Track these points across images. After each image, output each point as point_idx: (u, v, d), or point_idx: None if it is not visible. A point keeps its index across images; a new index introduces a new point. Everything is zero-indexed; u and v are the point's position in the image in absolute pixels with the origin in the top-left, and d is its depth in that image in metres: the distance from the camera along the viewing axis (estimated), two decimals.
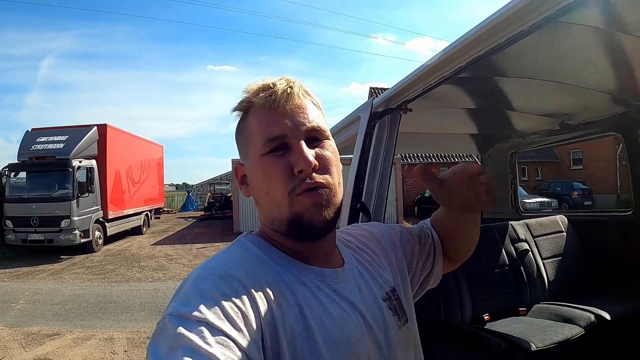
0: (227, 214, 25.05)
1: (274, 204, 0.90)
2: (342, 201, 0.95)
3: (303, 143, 0.89)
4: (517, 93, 2.88)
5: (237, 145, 1.00)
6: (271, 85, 0.92)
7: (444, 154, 26.31)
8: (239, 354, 0.70)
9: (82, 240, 14.45)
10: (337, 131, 2.73)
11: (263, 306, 0.80)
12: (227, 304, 0.75)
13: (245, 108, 0.96)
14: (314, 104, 0.97)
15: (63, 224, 13.96)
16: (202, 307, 0.73)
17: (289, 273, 0.89)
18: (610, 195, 24.35)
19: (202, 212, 29.49)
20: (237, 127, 0.99)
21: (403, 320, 1.02)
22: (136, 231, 19.87)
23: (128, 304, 8.61)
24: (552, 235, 3.66)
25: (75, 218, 14.13)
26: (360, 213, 2.03)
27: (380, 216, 2.09)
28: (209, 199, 30.34)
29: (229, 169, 28.85)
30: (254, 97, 0.93)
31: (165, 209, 31.42)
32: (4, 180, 15.04)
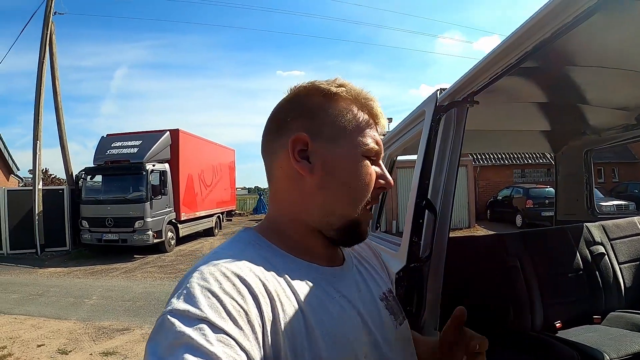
0: None
1: (351, 201, 0.93)
2: None
3: None
4: (589, 84, 2.69)
5: (308, 117, 0.94)
6: (379, 104, 0.99)
7: (516, 155, 25.53)
8: (241, 353, 0.70)
9: (155, 241, 14.90)
10: (402, 128, 2.67)
11: (265, 304, 0.79)
12: (228, 302, 0.75)
13: (340, 96, 0.95)
14: None
15: (137, 224, 14.45)
16: (203, 305, 0.73)
17: (289, 270, 0.89)
18: None
19: None
20: (320, 103, 0.95)
21: (400, 319, 1.04)
22: (208, 233, 20.30)
23: None
24: (629, 238, 3.43)
25: (149, 219, 14.59)
26: (426, 210, 1.97)
27: (447, 213, 2.02)
28: None
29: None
30: (369, 105, 0.97)
31: (237, 211, 32.00)
32: (80, 183, 15.77)
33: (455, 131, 2.06)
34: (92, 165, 15.85)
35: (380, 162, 0.98)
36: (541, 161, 25.95)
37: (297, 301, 0.85)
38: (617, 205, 17.69)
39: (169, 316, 0.72)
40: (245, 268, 0.83)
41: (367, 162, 0.94)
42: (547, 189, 20.36)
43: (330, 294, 0.91)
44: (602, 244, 3.28)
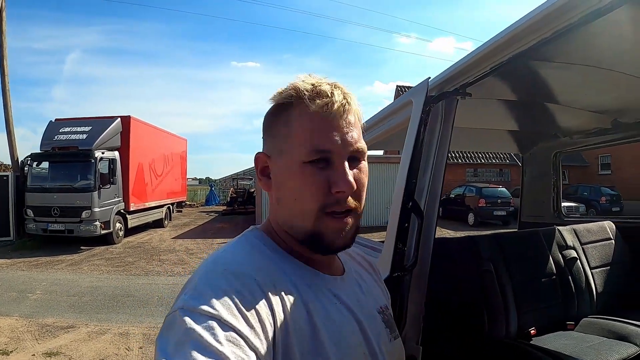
0: (250, 210, 25.25)
1: (300, 213, 0.89)
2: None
3: (346, 164, 0.88)
4: (571, 84, 2.60)
5: (266, 135, 0.96)
6: (329, 94, 0.89)
7: (469, 154, 26.06)
8: (250, 353, 0.70)
9: (103, 232, 14.45)
10: (380, 119, 2.49)
11: (276, 305, 0.80)
12: (240, 301, 0.75)
13: (290, 104, 0.91)
14: (359, 119, 0.95)
15: (84, 214, 13.99)
16: (214, 302, 0.73)
17: (295, 274, 0.89)
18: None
19: (225, 207, 29.65)
20: (272, 119, 0.95)
21: (394, 335, 1.04)
22: (158, 224, 19.92)
23: (146, 298, 8.48)
24: (600, 243, 3.39)
25: (96, 209, 14.15)
26: (412, 213, 1.78)
27: (432, 217, 1.85)
28: (231, 194, 30.58)
29: (253, 164, 28.92)
30: (311, 101, 0.88)
31: (188, 202, 31.59)
32: (26, 169, 15.12)
33: (443, 126, 1.90)
34: (39, 151, 15.24)
35: (337, 160, 0.87)
36: (494, 161, 26.61)
37: (304, 304, 0.85)
38: (567, 207, 18.21)
39: (179, 312, 0.73)
40: (255, 267, 0.84)
41: (310, 168, 0.87)
42: (499, 189, 21.05)
43: (332, 300, 0.91)
44: (574, 248, 3.21)
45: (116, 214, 15.35)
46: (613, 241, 3.45)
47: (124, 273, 10.76)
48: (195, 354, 0.66)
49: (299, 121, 0.89)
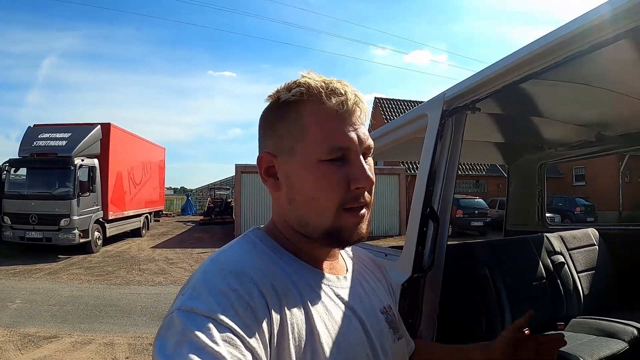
0: (227, 220, 25.10)
1: (317, 211, 0.89)
2: None
3: (363, 159, 0.89)
4: (560, 99, 2.76)
5: (269, 133, 0.94)
6: (342, 92, 0.88)
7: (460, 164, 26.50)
8: (246, 352, 0.71)
9: (81, 240, 14.29)
10: (389, 131, 2.61)
11: (272, 303, 0.80)
12: (236, 301, 0.76)
13: (298, 101, 0.89)
14: (366, 117, 0.94)
15: (62, 222, 13.82)
16: (211, 303, 0.74)
17: (296, 273, 0.90)
18: (613, 212, 24.38)
19: (202, 217, 29.47)
20: (277, 115, 0.92)
21: (397, 335, 1.04)
22: (135, 233, 19.71)
23: (129, 308, 8.44)
24: (585, 249, 3.56)
25: (75, 217, 14.00)
26: (430, 220, 1.91)
27: (446, 222, 1.98)
28: (209, 204, 30.41)
29: (229, 174, 28.55)
30: (327, 99, 0.87)
31: (164, 212, 31.35)
32: (3, 175, 14.85)
33: (454, 138, 2.03)
34: (16, 157, 14.99)
35: (353, 157, 0.88)
36: (471, 173, 27.01)
37: (302, 304, 0.85)
38: None
39: (176, 313, 0.74)
40: (253, 267, 0.84)
41: (328, 166, 0.87)
42: (476, 200, 21.34)
43: (333, 300, 0.92)
44: (561, 253, 3.36)
45: (95, 223, 15.17)
46: (597, 247, 3.61)
47: (105, 282, 10.68)
48: (191, 355, 0.66)
49: (314, 119, 0.88)
